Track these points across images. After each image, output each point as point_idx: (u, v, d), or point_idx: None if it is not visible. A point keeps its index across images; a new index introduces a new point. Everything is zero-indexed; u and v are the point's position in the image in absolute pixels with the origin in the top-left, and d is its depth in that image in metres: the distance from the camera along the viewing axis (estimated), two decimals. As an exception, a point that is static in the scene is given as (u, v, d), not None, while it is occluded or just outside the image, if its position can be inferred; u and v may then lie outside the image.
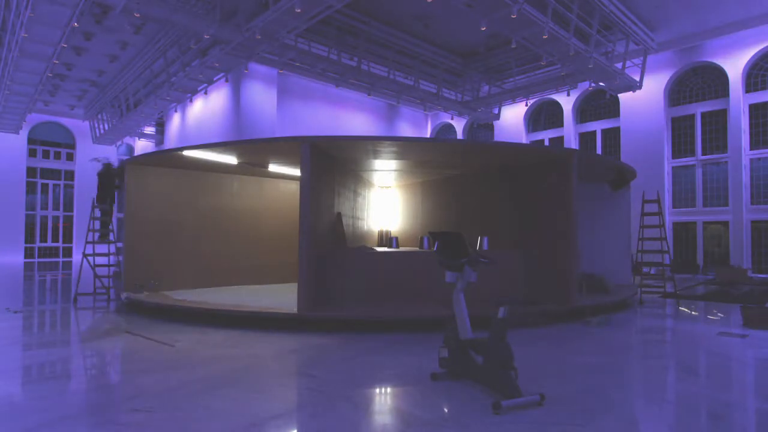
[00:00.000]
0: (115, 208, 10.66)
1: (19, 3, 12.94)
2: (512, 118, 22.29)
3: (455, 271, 4.16)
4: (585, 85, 19.11)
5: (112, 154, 26.21)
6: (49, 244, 26.65)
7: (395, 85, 19.68)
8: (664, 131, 18.30)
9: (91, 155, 23.69)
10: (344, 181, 9.42)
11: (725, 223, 17.07)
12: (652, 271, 12.70)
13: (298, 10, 12.21)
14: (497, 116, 22.72)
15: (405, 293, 7.25)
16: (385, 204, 13.14)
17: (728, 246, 16.78)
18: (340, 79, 18.48)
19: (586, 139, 20.96)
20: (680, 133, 18.45)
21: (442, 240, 4.31)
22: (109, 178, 10.55)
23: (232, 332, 6.37)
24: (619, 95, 18.83)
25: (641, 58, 17.47)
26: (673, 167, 18.42)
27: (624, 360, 5.54)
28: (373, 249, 8.79)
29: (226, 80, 17.51)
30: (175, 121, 23.73)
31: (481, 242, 8.62)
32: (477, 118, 23.22)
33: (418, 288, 7.28)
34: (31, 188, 25.89)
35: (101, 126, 25.12)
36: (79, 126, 26.64)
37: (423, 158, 8.83)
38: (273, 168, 9.70)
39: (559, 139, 21.33)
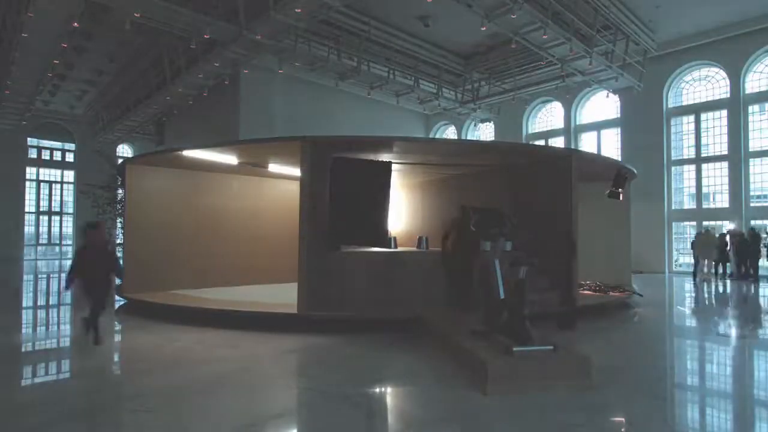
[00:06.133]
0: None
1: (20, 2, 12.94)
2: (512, 117, 22.29)
3: (489, 240, 4.63)
4: (585, 85, 19.11)
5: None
6: (49, 243, 26.67)
7: (395, 84, 19.69)
8: (663, 131, 18.30)
9: (90, 155, 23.77)
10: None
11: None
12: None
13: (299, 10, 12.22)
14: (497, 116, 22.73)
15: (404, 292, 7.25)
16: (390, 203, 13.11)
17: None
18: (340, 79, 18.50)
19: (586, 138, 20.97)
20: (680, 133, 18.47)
21: (480, 214, 4.78)
22: None
23: (232, 332, 6.37)
24: (619, 95, 18.84)
25: (641, 58, 17.48)
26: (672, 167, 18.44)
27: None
28: (371, 249, 8.77)
29: (226, 80, 17.50)
30: (174, 120, 23.70)
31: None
32: (477, 117, 23.23)
33: (417, 286, 7.27)
34: (30, 188, 25.88)
35: (101, 126, 25.13)
36: (78, 126, 26.63)
37: (423, 158, 8.84)
38: (273, 168, 9.69)
39: (559, 139, 21.34)
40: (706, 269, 14.93)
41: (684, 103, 18.32)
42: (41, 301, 10.68)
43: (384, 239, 7.15)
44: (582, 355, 4.24)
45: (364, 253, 7.72)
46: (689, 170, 18.38)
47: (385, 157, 8.29)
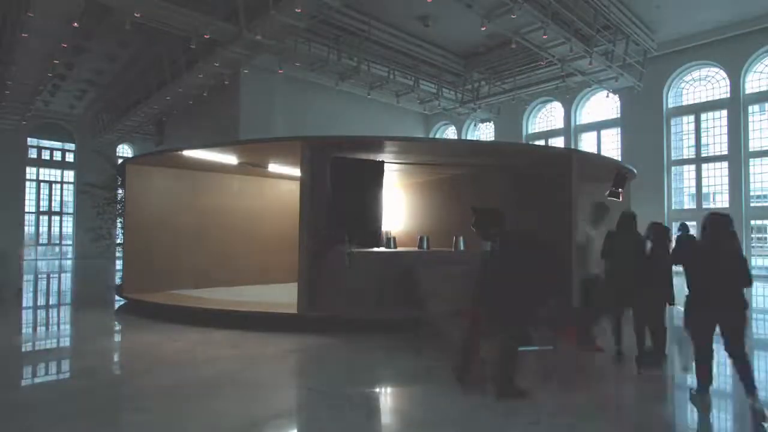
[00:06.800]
0: None
1: (20, 2, 12.93)
2: (512, 117, 22.28)
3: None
4: (585, 85, 19.11)
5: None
6: (49, 243, 26.65)
7: (395, 84, 19.69)
8: (663, 131, 18.29)
9: (90, 155, 23.74)
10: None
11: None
12: None
13: (299, 10, 12.21)
14: (497, 115, 22.72)
15: (404, 293, 7.24)
16: (386, 204, 13.11)
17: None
18: (340, 79, 18.49)
19: (586, 138, 20.97)
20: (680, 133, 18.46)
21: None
22: None
23: (232, 332, 6.37)
24: (619, 95, 18.84)
25: (641, 58, 17.47)
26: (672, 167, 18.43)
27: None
28: (371, 249, 8.78)
29: (226, 80, 17.49)
30: (174, 120, 23.69)
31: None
32: (477, 117, 23.22)
33: (417, 287, 7.27)
34: (30, 188, 25.85)
35: (101, 126, 25.11)
36: (79, 126, 26.61)
37: (423, 158, 8.84)
38: (273, 168, 9.69)
39: (559, 139, 21.33)
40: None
41: (684, 103, 18.31)
42: (41, 301, 10.68)
43: (376, 239, 7.19)
44: (581, 356, 4.26)
45: (365, 253, 7.72)
46: (689, 170, 18.37)
47: (384, 157, 8.30)
